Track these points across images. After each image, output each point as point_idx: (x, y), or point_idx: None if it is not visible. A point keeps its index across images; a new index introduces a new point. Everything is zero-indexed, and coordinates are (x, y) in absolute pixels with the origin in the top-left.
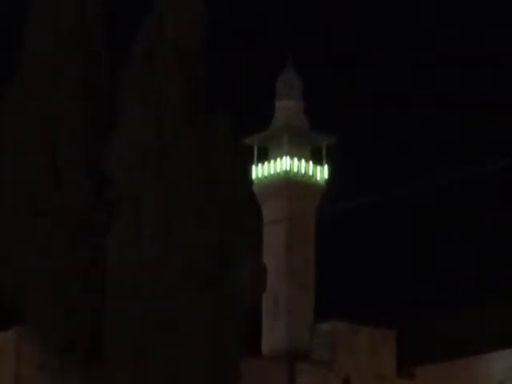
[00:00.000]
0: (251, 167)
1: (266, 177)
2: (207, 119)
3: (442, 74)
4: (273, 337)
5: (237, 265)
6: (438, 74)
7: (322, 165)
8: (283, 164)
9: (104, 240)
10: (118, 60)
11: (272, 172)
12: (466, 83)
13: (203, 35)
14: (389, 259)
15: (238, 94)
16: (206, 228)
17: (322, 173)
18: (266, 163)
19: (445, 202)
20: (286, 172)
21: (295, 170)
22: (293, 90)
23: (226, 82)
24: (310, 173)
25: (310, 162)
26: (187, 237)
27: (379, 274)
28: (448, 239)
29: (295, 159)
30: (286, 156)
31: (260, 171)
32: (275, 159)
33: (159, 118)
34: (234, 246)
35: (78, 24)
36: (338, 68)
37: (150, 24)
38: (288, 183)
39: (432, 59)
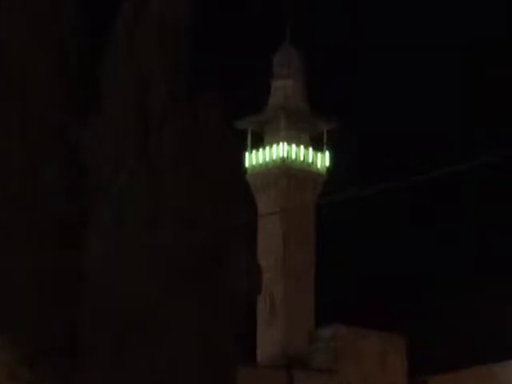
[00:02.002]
0: (244, 154)
1: (260, 165)
2: (195, 101)
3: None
4: (268, 342)
5: (228, 264)
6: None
7: (322, 151)
8: (280, 150)
9: (80, 236)
10: (97, 39)
11: (267, 159)
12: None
13: (190, 7)
14: (398, 256)
15: (229, 72)
16: (194, 223)
17: (322, 160)
18: (260, 149)
19: (463, 189)
20: (282, 159)
21: (293, 156)
22: (291, 68)
23: (216, 59)
24: (310, 160)
25: (310, 149)
26: (173, 233)
27: (388, 272)
28: (463, 232)
29: (293, 145)
30: (283, 141)
31: (254, 158)
32: (271, 145)
33: (142, 100)
34: (225, 243)
35: (54, 3)
36: (343, 43)
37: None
38: (285, 172)
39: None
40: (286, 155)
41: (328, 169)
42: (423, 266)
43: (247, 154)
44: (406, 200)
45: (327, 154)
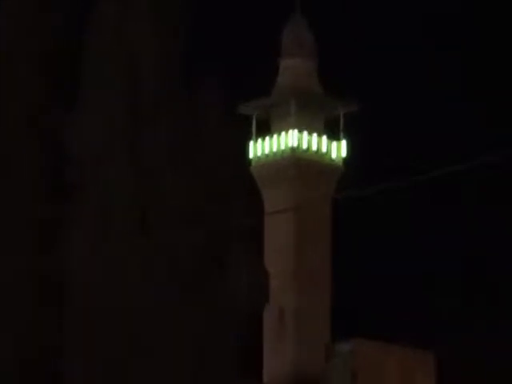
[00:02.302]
0: (249, 143)
1: (267, 155)
2: (192, 82)
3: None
4: (277, 359)
5: (231, 269)
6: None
7: (338, 140)
8: (289, 139)
9: (63, 239)
10: (81, 24)
11: (275, 149)
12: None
13: None
14: (424, 261)
15: (231, 50)
16: (192, 222)
17: (338, 150)
18: (267, 138)
19: (492, 182)
20: (292, 149)
21: (305, 146)
22: (302, 45)
23: (216, 35)
24: (324, 150)
25: (324, 137)
26: (167, 234)
27: (413, 281)
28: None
29: (305, 132)
30: (293, 128)
31: (260, 148)
32: (279, 133)
33: (132, 86)
34: (226, 245)
35: None
36: (359, 17)
37: None
38: (296, 163)
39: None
40: (296, 144)
41: (345, 159)
42: (452, 274)
43: (252, 143)
44: (434, 194)
45: (344, 142)
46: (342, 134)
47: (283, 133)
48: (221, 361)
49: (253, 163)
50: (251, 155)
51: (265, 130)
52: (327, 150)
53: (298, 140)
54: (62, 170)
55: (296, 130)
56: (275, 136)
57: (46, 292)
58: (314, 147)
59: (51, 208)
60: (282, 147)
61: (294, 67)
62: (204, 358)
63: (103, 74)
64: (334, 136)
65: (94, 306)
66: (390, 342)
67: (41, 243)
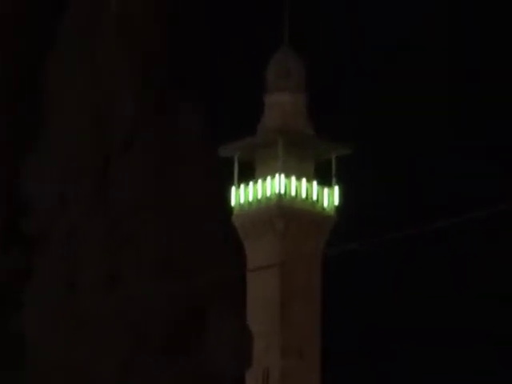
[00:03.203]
0: (230, 189)
1: (250, 203)
2: (168, 121)
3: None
4: None
5: (210, 328)
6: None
7: (330, 186)
8: (276, 184)
9: (21, 295)
10: (42, 42)
11: (260, 196)
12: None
13: (162, 2)
14: (422, 318)
15: (212, 85)
16: (166, 276)
17: (330, 197)
18: (250, 183)
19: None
20: (279, 196)
21: (292, 192)
22: (290, 78)
23: (196, 68)
24: (315, 197)
25: (314, 182)
26: (139, 289)
27: (411, 337)
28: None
29: (293, 178)
30: (280, 173)
31: (243, 195)
32: (264, 177)
33: (100, 121)
34: (206, 302)
35: None
36: (353, 49)
37: None
38: (283, 212)
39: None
40: (283, 191)
41: (338, 208)
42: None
43: (234, 188)
44: (438, 247)
45: (336, 189)
46: (334, 180)
47: (269, 177)
48: None
49: (235, 211)
50: (233, 202)
51: (248, 175)
52: (318, 197)
53: (286, 186)
54: (19, 219)
55: (283, 175)
56: (260, 181)
57: (3, 355)
58: (303, 194)
59: (8, 263)
60: (268, 194)
61: (281, 103)
62: None
63: (66, 106)
64: (325, 182)
65: (56, 371)
66: None
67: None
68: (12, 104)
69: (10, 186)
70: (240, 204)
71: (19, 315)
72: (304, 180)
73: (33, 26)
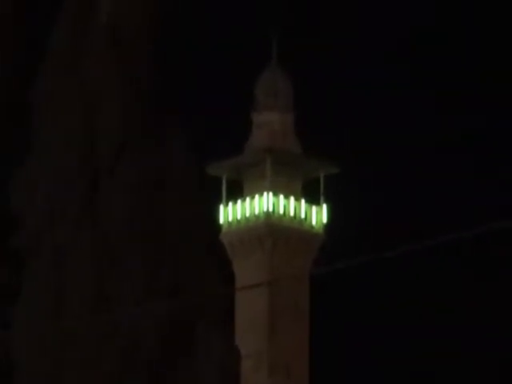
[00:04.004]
0: (218, 207)
1: (239, 221)
2: (155, 140)
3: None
4: None
5: (197, 349)
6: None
7: (318, 204)
8: (264, 202)
9: (9, 314)
10: (30, 61)
11: (248, 214)
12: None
13: (151, 20)
14: (411, 335)
15: (200, 103)
16: (154, 295)
17: (319, 215)
18: (239, 201)
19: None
20: (267, 214)
21: (281, 211)
22: (277, 95)
23: (184, 86)
24: (303, 215)
25: (302, 201)
26: (127, 308)
27: (400, 354)
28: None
29: (281, 196)
30: (268, 191)
31: (231, 213)
32: (252, 196)
33: (88, 137)
34: (193, 323)
35: None
36: (340, 68)
37: (74, 7)
38: (270, 230)
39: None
40: (271, 209)
41: (326, 226)
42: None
43: (222, 207)
44: (434, 264)
45: (325, 207)
46: (322, 198)
47: (257, 196)
48: None
49: (223, 229)
50: (221, 220)
51: (236, 193)
52: (306, 215)
53: (274, 204)
54: (10, 233)
55: (271, 193)
56: (248, 199)
57: None
58: (292, 212)
59: None
60: (256, 212)
61: (269, 122)
62: None
63: (54, 124)
64: (313, 200)
65: None
66: None
67: None
68: (1, 119)
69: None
70: (228, 222)
71: (6, 339)
72: (292, 198)
73: (22, 39)
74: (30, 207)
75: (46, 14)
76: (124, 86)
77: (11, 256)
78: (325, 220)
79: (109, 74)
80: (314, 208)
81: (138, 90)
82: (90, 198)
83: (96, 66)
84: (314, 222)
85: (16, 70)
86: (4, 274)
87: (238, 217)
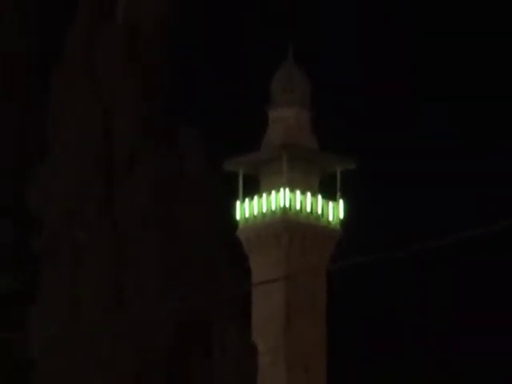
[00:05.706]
0: (235, 203)
1: (255, 217)
2: (172, 136)
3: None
4: None
5: (215, 343)
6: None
7: (335, 200)
8: (280, 198)
9: (26, 314)
10: (48, 61)
11: (265, 210)
12: None
13: (168, 19)
14: (428, 331)
15: (216, 100)
16: (171, 292)
17: (335, 211)
18: (255, 197)
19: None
20: (284, 210)
21: (297, 206)
22: (295, 93)
23: (200, 84)
24: (319, 211)
25: (319, 196)
26: (145, 307)
27: (417, 350)
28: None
29: (297, 192)
30: (285, 187)
31: (247, 209)
32: (269, 191)
33: (104, 137)
34: (208, 319)
35: None
36: (356, 65)
37: (90, 6)
38: (287, 226)
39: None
40: (288, 205)
41: (342, 222)
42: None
43: (238, 203)
44: (445, 261)
45: (341, 202)
46: (338, 194)
47: (273, 192)
48: None
49: (239, 225)
50: (238, 216)
51: (253, 189)
52: (323, 211)
53: (290, 200)
54: (27, 237)
55: (287, 189)
56: (264, 195)
57: (10, 373)
58: (308, 208)
59: (16, 280)
60: (272, 208)
61: (286, 118)
62: None
63: (70, 125)
64: (330, 196)
65: None
66: None
67: (6, 320)
68: (20, 120)
69: (19, 202)
70: (245, 218)
71: (25, 340)
72: (309, 194)
73: (40, 39)
74: (48, 208)
75: (61, 14)
76: (140, 85)
77: (29, 256)
78: (341, 216)
79: (124, 73)
80: (330, 204)
81: (155, 89)
82: (107, 198)
83: (112, 66)
84: (330, 218)
85: (32, 71)
86: (22, 274)
87: (255, 213)
